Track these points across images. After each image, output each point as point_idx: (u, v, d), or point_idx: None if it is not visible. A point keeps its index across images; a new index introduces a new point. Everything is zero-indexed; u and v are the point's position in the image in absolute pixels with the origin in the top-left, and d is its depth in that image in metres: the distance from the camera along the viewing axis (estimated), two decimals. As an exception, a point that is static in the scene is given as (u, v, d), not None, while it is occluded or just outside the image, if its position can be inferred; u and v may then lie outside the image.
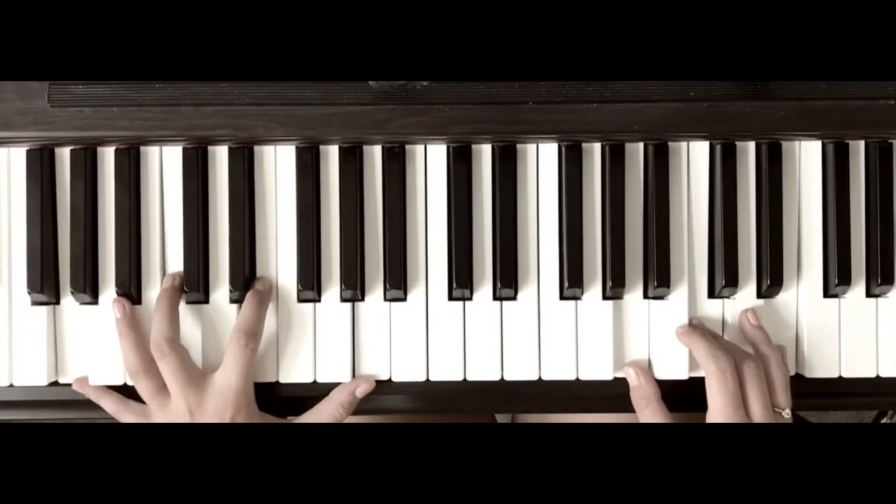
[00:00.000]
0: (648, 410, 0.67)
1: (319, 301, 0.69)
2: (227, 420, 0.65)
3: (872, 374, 0.70)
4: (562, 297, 0.69)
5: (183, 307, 0.69)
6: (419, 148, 0.69)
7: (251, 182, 0.69)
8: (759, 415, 0.64)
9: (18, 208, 0.69)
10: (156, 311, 0.67)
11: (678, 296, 0.70)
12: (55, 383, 0.70)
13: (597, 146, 0.70)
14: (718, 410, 0.64)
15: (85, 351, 0.69)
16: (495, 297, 0.69)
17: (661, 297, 0.70)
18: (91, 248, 0.69)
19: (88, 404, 0.69)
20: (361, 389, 0.68)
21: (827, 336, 0.71)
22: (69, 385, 0.69)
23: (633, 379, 0.68)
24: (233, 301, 0.69)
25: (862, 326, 0.70)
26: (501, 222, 0.69)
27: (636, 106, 0.67)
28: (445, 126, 0.67)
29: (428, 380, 0.69)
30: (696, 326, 0.69)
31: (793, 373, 0.70)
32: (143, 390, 0.67)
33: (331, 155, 0.69)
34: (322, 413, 0.68)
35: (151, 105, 0.66)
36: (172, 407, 0.66)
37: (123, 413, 0.68)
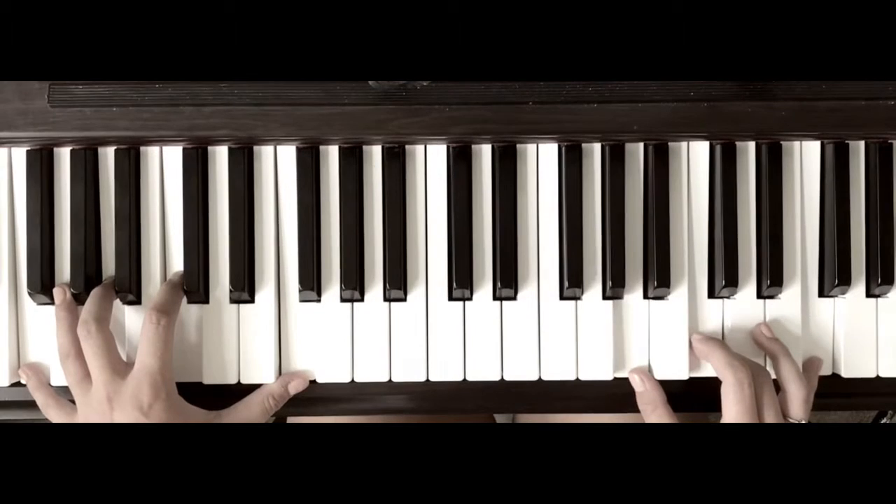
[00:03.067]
0: (655, 415, 0.67)
1: (319, 301, 0.69)
2: (144, 406, 0.63)
3: (872, 374, 0.70)
4: (562, 297, 0.69)
5: (183, 307, 0.69)
6: (419, 148, 0.69)
7: (251, 182, 0.69)
8: None
9: (18, 208, 0.69)
10: (90, 296, 0.67)
11: (678, 296, 0.70)
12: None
13: (597, 146, 0.70)
14: (733, 421, 0.63)
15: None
16: (495, 297, 0.69)
17: (661, 298, 0.70)
18: (91, 248, 0.69)
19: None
20: (294, 385, 0.69)
21: (827, 336, 0.71)
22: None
23: (638, 385, 0.68)
24: (233, 301, 0.69)
25: (862, 326, 0.70)
26: (501, 222, 0.69)
27: (636, 106, 0.67)
28: (445, 126, 0.67)
29: (428, 380, 0.69)
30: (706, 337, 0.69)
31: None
32: (69, 375, 0.66)
33: (331, 155, 0.69)
34: (253, 403, 0.68)
35: (151, 105, 0.66)
36: (93, 393, 0.65)
37: (51, 408, 0.67)
